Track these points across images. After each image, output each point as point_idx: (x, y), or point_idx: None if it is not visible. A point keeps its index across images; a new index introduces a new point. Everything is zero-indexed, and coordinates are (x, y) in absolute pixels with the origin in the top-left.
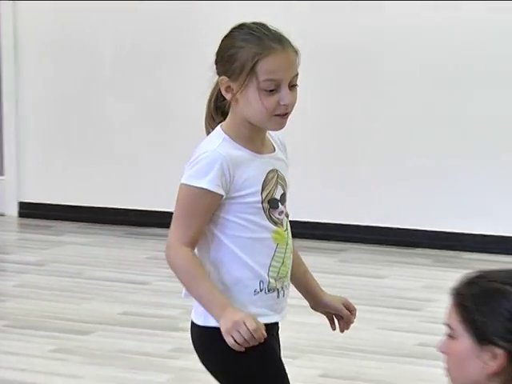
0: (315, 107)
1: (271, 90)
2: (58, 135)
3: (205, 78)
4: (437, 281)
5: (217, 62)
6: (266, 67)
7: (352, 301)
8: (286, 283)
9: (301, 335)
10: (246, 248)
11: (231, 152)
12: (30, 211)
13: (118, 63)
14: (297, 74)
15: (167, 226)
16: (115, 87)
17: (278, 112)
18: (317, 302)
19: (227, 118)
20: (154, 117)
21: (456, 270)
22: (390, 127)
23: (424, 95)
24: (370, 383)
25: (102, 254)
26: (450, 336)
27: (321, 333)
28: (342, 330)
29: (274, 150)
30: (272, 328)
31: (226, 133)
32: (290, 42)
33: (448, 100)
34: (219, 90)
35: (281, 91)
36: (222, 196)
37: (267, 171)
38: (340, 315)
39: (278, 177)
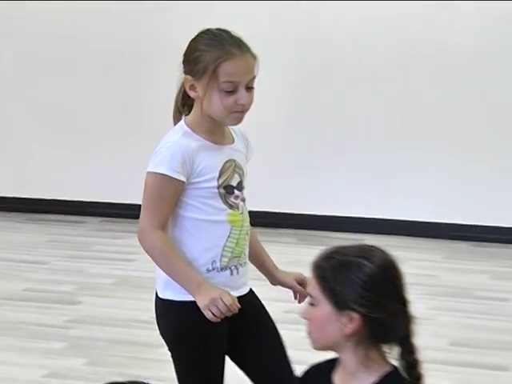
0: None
1: (230, 91)
2: None
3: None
4: (299, 257)
5: (183, 62)
6: (226, 70)
7: None
8: (241, 262)
9: None
10: (203, 229)
11: (191, 143)
12: None
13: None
14: (253, 78)
15: (63, 212)
16: None
17: (235, 110)
18: (272, 278)
19: (191, 112)
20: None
21: (316, 247)
22: None
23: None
24: None
25: (5, 239)
26: (312, 304)
27: None
28: (299, 302)
29: (233, 142)
30: None
31: (188, 126)
32: (249, 48)
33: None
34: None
35: (238, 92)
36: (184, 182)
37: (225, 160)
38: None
39: (235, 166)
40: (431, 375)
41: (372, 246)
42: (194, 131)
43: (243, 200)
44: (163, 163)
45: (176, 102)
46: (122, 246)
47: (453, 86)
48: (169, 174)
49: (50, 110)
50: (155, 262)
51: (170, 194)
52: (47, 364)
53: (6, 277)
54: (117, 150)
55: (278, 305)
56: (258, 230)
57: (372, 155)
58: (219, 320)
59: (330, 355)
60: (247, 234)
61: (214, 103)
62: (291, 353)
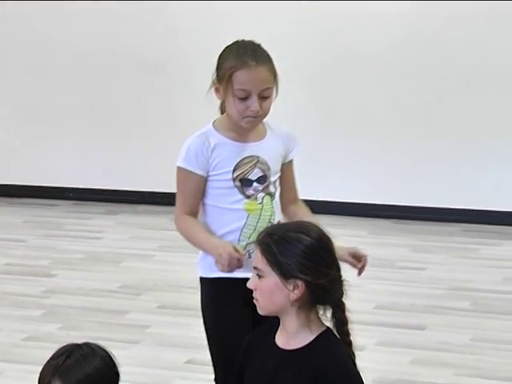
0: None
1: (243, 98)
2: None
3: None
4: None
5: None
6: (239, 79)
7: None
8: None
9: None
10: (222, 216)
11: (210, 139)
12: None
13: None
14: (267, 88)
15: (38, 196)
16: None
17: (247, 115)
18: None
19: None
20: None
21: None
22: None
23: None
24: None
25: None
26: (259, 276)
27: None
28: (358, 274)
29: (262, 139)
30: (242, 283)
31: (213, 124)
32: (267, 62)
33: None
34: None
35: (250, 100)
36: (201, 175)
37: (243, 156)
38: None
39: (257, 161)
40: (360, 335)
41: (307, 222)
42: (216, 129)
43: (267, 192)
44: (180, 157)
45: (221, 103)
46: (90, 225)
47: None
48: (185, 167)
49: (25, 107)
50: (188, 242)
51: (190, 185)
52: (26, 329)
53: None
54: (84, 142)
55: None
56: None
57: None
58: (230, 272)
59: None
60: (270, 222)
61: (230, 107)
62: None
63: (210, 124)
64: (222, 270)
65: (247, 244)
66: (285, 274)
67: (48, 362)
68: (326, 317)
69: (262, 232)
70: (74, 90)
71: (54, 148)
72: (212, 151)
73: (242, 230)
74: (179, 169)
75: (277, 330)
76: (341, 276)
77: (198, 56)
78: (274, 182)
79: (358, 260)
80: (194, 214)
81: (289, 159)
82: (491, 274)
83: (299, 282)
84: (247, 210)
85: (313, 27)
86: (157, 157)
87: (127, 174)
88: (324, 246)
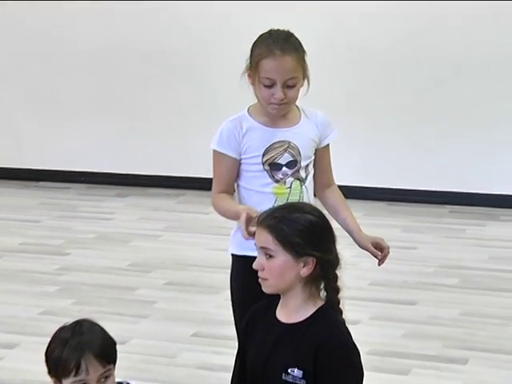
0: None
1: (268, 85)
2: None
3: None
4: None
5: None
6: (264, 67)
7: None
8: None
9: None
10: (252, 197)
11: (242, 123)
12: None
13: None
14: (293, 78)
15: (53, 180)
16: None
17: (272, 102)
18: (354, 239)
19: None
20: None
21: None
22: None
23: None
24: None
25: (4, 202)
26: (270, 255)
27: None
28: (378, 264)
29: (295, 125)
30: None
31: (248, 109)
32: (294, 52)
33: None
34: None
35: (274, 88)
36: (232, 156)
37: (274, 141)
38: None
39: (288, 146)
40: (355, 310)
41: (304, 203)
42: (250, 114)
43: (297, 177)
44: (214, 141)
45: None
46: (102, 207)
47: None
48: (218, 150)
49: (40, 95)
50: (221, 215)
51: (223, 166)
52: (42, 304)
53: (6, 233)
54: (95, 129)
55: None
56: None
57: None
58: (250, 237)
59: None
60: None
61: (258, 93)
62: None
63: (245, 109)
64: (244, 236)
65: None
66: (297, 251)
67: (62, 347)
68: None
69: (265, 214)
70: (87, 79)
71: (67, 134)
72: (244, 135)
73: None
74: (214, 151)
75: (276, 306)
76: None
77: (199, 49)
78: (306, 166)
79: (380, 250)
80: (227, 193)
81: (323, 144)
82: (478, 253)
83: (310, 259)
84: (275, 193)
85: (323, 25)
86: (163, 143)
87: (136, 159)
88: (327, 223)
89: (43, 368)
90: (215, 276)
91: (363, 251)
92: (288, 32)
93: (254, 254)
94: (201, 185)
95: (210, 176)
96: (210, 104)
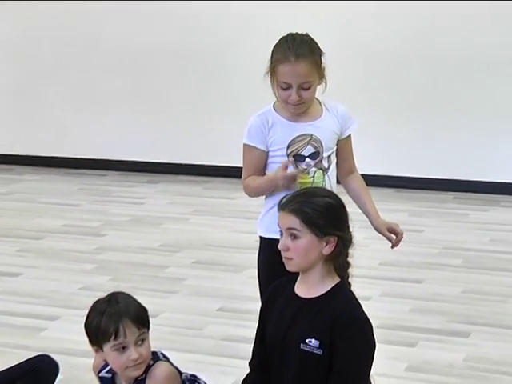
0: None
1: (285, 88)
2: (14, 112)
3: None
4: None
5: None
6: (281, 71)
7: None
8: None
9: None
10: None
11: (268, 119)
12: None
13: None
14: (306, 82)
15: (91, 167)
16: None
17: (289, 102)
18: (372, 224)
19: None
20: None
21: None
22: None
23: None
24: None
25: (47, 188)
26: (295, 236)
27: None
28: (392, 247)
29: (317, 119)
30: None
31: (273, 105)
32: (308, 57)
33: None
34: None
35: (290, 90)
36: (260, 149)
37: (297, 135)
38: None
39: (311, 139)
40: (367, 287)
41: (319, 188)
42: (275, 110)
43: (320, 167)
44: (244, 135)
45: None
46: (135, 193)
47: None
48: (247, 143)
49: (80, 92)
50: (255, 196)
51: (251, 157)
52: (81, 280)
53: (49, 216)
54: (130, 122)
55: None
56: None
57: None
58: (292, 185)
59: None
60: None
61: (277, 93)
62: None
63: (271, 104)
64: (286, 187)
65: None
66: (321, 231)
67: (100, 316)
68: None
69: (286, 200)
70: (122, 77)
71: (103, 126)
72: (269, 129)
73: None
74: (244, 144)
75: (294, 283)
76: None
77: (223, 49)
78: (328, 157)
79: (395, 235)
80: None
81: (345, 136)
82: (480, 236)
83: (331, 238)
84: (300, 182)
85: (338, 26)
86: (191, 135)
87: (166, 149)
88: (343, 205)
89: (82, 338)
90: (239, 256)
91: (374, 234)
92: (304, 36)
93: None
94: (225, 173)
95: (233, 165)
96: (232, 101)
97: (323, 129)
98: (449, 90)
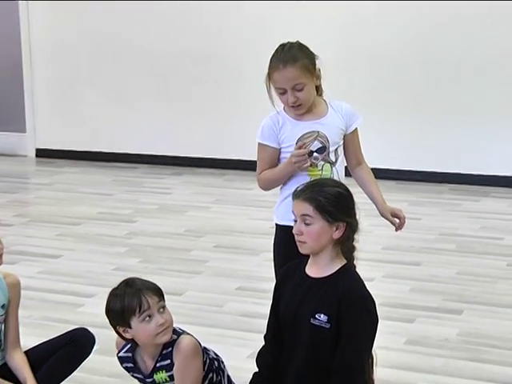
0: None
1: (281, 93)
2: (60, 106)
3: None
4: None
5: None
6: (275, 78)
7: None
8: None
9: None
10: (290, 178)
11: (279, 118)
12: (41, 153)
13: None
14: (298, 84)
15: (123, 161)
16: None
17: (288, 105)
18: (378, 211)
19: None
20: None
21: None
22: None
23: None
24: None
25: (85, 178)
26: (306, 223)
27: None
28: (395, 230)
29: (323, 117)
30: None
31: (283, 107)
32: (295, 62)
33: None
34: None
35: (286, 94)
36: (273, 146)
37: (305, 132)
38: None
39: (317, 135)
40: (370, 269)
41: (328, 179)
42: (285, 111)
43: (327, 161)
44: (258, 133)
45: None
46: (163, 183)
47: None
48: (261, 142)
49: (112, 91)
50: (270, 187)
51: (265, 155)
52: (115, 262)
53: (86, 204)
54: (157, 119)
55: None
56: None
57: None
58: (306, 167)
59: None
60: None
61: (274, 98)
62: None
63: (282, 106)
64: (300, 168)
65: None
66: (332, 218)
67: (122, 298)
68: None
69: (300, 190)
70: (149, 77)
71: (134, 124)
72: (280, 129)
73: None
74: (258, 143)
75: (305, 265)
76: None
77: (240, 51)
78: (335, 150)
79: (398, 219)
80: None
81: (350, 130)
82: (472, 224)
83: (341, 224)
84: (310, 175)
85: (345, 31)
86: (212, 131)
87: (190, 144)
88: (351, 194)
89: None
90: (256, 240)
91: (378, 221)
92: (293, 44)
93: (292, 224)
94: (243, 166)
95: (251, 159)
96: (248, 100)
97: (329, 125)
98: (446, 91)
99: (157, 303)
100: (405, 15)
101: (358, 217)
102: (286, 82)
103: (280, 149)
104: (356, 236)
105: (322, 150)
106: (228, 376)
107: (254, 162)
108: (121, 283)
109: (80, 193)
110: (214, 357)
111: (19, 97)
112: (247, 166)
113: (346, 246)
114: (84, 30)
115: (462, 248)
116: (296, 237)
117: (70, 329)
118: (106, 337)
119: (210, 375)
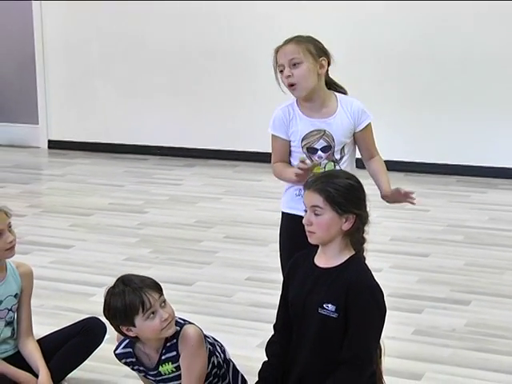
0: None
1: (281, 71)
2: (71, 102)
3: None
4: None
5: None
6: (277, 58)
7: None
8: None
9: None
10: None
11: (290, 111)
12: (54, 145)
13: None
14: (293, 58)
15: (134, 152)
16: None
17: (287, 84)
18: (382, 195)
19: None
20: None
21: None
22: None
23: None
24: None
25: (97, 170)
26: (316, 214)
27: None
28: (412, 203)
29: (330, 116)
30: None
31: (296, 99)
32: (295, 42)
33: None
34: None
35: (285, 71)
36: (283, 138)
37: (311, 129)
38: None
39: (323, 134)
40: (379, 260)
41: (340, 171)
42: (297, 103)
43: (331, 159)
44: (270, 124)
45: None
46: (173, 175)
47: None
48: (272, 133)
49: (124, 85)
50: (280, 179)
51: (277, 145)
52: (126, 252)
53: (97, 195)
54: (168, 112)
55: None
56: None
57: None
58: (304, 179)
59: None
60: None
61: (280, 82)
62: None
63: (294, 99)
64: (300, 180)
65: None
66: (341, 209)
67: (122, 297)
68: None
69: (311, 180)
70: (161, 72)
71: (145, 116)
72: (290, 121)
73: None
74: (271, 134)
75: (314, 255)
76: None
77: (250, 45)
78: (341, 149)
79: (404, 195)
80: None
81: (360, 129)
82: (479, 215)
83: (351, 216)
84: (313, 172)
85: (349, 26)
86: (222, 123)
87: (200, 136)
88: (362, 186)
89: None
90: (265, 231)
91: (386, 213)
92: (301, 35)
93: (298, 212)
94: (253, 158)
95: (261, 150)
96: (258, 94)
97: (335, 125)
98: (452, 86)
99: (158, 299)
100: (411, 14)
101: (368, 209)
102: (284, 57)
103: (290, 141)
104: (366, 228)
105: (327, 149)
106: (234, 366)
107: (264, 154)
108: (117, 281)
109: (92, 184)
110: (214, 342)
111: (32, 90)
112: (257, 157)
113: (355, 238)
114: (96, 27)
115: (470, 239)
116: (306, 227)
117: (81, 318)
118: None
119: (213, 359)
